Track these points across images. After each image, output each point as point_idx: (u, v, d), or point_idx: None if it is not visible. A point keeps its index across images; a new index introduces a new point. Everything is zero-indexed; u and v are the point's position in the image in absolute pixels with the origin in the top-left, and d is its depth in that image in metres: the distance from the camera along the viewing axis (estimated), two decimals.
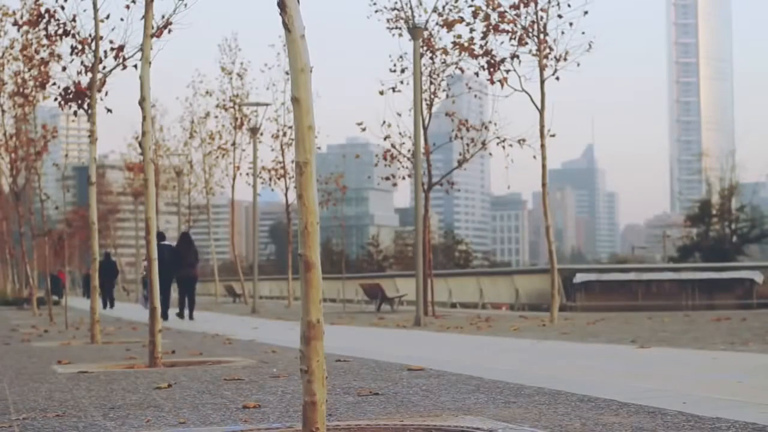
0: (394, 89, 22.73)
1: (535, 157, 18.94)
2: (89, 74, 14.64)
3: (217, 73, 42.65)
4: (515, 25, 18.74)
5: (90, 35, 14.67)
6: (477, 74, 19.71)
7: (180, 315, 22.18)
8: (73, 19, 14.97)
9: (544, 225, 18.79)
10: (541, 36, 18.51)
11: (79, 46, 14.75)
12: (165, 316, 20.46)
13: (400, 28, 22.09)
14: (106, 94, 14.84)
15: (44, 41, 19.04)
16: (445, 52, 22.04)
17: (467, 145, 23.09)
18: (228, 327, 18.20)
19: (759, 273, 27.87)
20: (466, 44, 19.63)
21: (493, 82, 19.24)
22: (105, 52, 14.46)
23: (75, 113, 15.08)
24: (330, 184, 34.19)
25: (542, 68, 18.41)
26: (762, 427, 4.70)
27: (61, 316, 22.19)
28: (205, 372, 8.54)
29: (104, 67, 14.56)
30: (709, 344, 10.92)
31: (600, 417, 5.20)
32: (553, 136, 18.65)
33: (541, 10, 18.57)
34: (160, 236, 20.63)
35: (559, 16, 18.58)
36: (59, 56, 17.93)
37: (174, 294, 25.43)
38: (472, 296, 31.47)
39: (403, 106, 61.11)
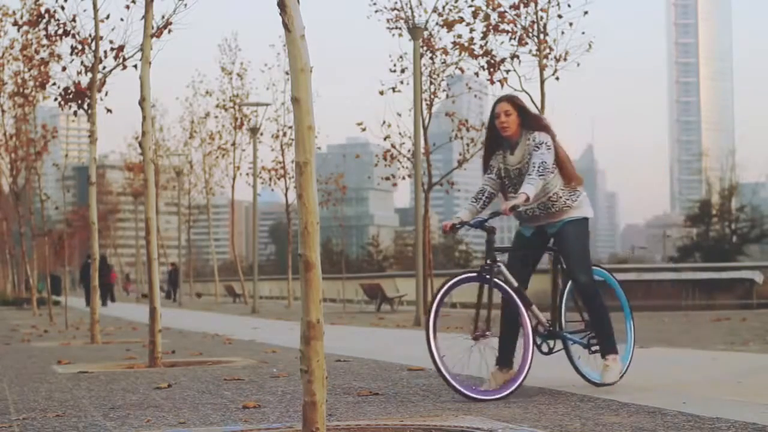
0: (394, 89, 22.73)
1: None
2: (89, 74, 14.64)
3: (217, 73, 42.73)
4: (515, 25, 18.74)
5: (90, 35, 14.67)
6: (477, 74, 19.70)
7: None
8: (73, 19, 14.96)
9: None
10: (541, 36, 18.50)
11: (79, 46, 14.74)
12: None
13: (400, 28, 22.09)
14: (106, 94, 14.84)
15: (44, 41, 19.02)
16: (445, 52, 22.03)
17: (467, 145, 23.10)
18: (228, 327, 18.19)
19: (759, 273, 27.83)
20: (466, 44, 19.62)
21: (493, 82, 19.23)
22: (105, 52, 14.46)
23: (75, 113, 15.08)
24: (330, 184, 34.17)
25: (542, 68, 18.40)
26: (762, 427, 4.70)
27: (61, 316, 22.19)
28: (205, 372, 8.54)
29: (104, 67, 14.56)
30: (709, 344, 10.92)
31: (600, 417, 5.20)
32: None
33: (541, 10, 18.56)
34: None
35: (559, 16, 18.57)
36: (59, 56, 17.92)
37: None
38: (472, 296, 31.42)
39: (403, 106, 61.16)
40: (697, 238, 68.91)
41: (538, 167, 6.37)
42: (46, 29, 15.58)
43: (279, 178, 34.89)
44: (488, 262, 6.34)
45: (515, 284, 6.41)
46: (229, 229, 66.66)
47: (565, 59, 18.47)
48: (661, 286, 28.66)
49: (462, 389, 6.01)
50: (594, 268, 6.83)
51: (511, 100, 6.59)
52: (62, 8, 15.07)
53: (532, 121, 6.55)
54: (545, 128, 6.56)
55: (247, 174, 36.49)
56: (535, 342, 6.38)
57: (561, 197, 6.55)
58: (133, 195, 58.50)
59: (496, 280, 6.34)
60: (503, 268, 6.42)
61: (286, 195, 35.49)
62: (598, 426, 4.90)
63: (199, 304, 40.60)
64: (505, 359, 6.44)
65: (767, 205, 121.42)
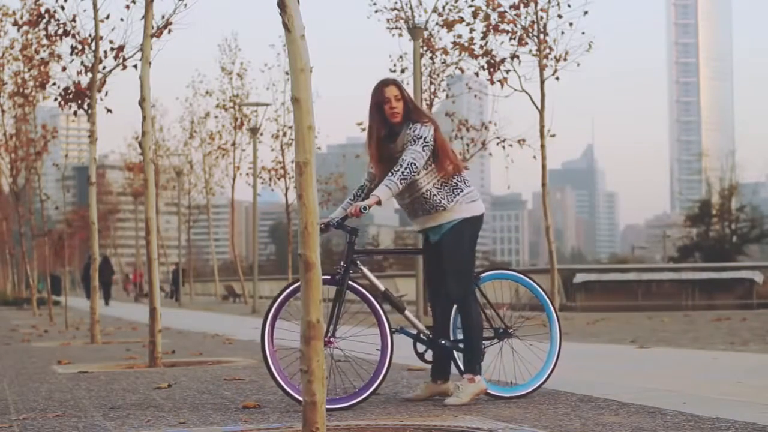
0: None
1: (535, 157, 18.92)
2: (89, 74, 14.64)
3: (217, 73, 42.70)
4: (515, 25, 18.72)
5: (90, 35, 14.67)
6: (477, 74, 19.69)
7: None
8: (73, 19, 14.96)
9: (544, 225, 18.77)
10: (541, 36, 18.49)
11: (79, 46, 14.74)
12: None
13: (400, 28, 22.10)
14: (106, 94, 14.83)
15: (44, 41, 19.01)
16: (445, 52, 22.02)
17: (467, 145, 23.11)
18: (228, 327, 18.19)
19: (759, 273, 27.85)
20: (466, 44, 19.61)
21: (493, 82, 19.21)
22: (105, 52, 14.45)
23: (75, 113, 15.07)
24: (330, 184, 34.17)
25: (542, 68, 18.39)
26: (762, 427, 4.70)
27: (61, 316, 22.19)
28: (205, 372, 8.54)
29: (104, 67, 14.55)
30: (709, 344, 10.92)
31: (600, 417, 5.20)
32: (553, 136, 18.63)
33: (541, 10, 18.55)
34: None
35: (559, 16, 18.55)
36: (59, 56, 17.91)
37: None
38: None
39: None
40: (697, 238, 68.85)
41: (405, 168, 5.87)
42: (46, 29, 15.57)
43: (279, 178, 34.88)
44: (342, 264, 5.99)
45: (382, 288, 6.10)
46: (229, 229, 66.69)
47: (565, 59, 18.46)
48: (661, 286, 28.66)
49: (297, 396, 5.83)
50: (501, 272, 6.54)
51: (398, 84, 6.08)
52: (62, 8, 15.06)
53: (413, 112, 6.03)
54: (429, 120, 6.00)
55: (247, 174, 36.51)
56: (416, 350, 6.18)
57: (435, 195, 6.00)
58: (133, 195, 58.54)
59: (352, 282, 5.98)
60: (366, 271, 6.05)
61: (286, 195, 35.47)
62: (598, 426, 4.90)
63: (198, 304, 40.60)
64: (437, 370, 6.13)
65: (767, 205, 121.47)
